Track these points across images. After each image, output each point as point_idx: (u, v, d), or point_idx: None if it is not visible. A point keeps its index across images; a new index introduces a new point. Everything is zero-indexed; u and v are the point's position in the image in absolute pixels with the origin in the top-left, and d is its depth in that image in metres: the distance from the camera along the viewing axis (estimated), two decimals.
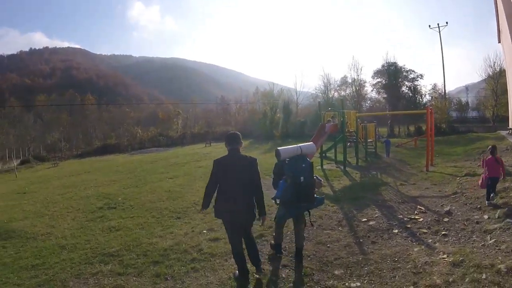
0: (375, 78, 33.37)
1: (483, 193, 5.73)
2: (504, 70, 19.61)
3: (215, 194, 3.20)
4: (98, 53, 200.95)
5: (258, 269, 3.35)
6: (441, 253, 3.68)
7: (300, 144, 3.63)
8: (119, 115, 48.06)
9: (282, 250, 3.91)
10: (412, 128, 25.68)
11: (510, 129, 14.18)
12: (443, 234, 4.39)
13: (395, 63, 31.54)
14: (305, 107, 34.56)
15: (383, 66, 32.63)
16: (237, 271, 3.34)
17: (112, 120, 45.79)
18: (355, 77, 33.15)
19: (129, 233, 4.98)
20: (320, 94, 33.29)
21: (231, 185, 3.09)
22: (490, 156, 5.59)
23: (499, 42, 17.41)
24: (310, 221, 3.88)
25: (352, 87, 33.76)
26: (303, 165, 3.38)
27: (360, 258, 3.78)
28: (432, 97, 29.67)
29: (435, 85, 31.72)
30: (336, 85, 34.32)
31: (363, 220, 5.15)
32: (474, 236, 4.21)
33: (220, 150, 18.25)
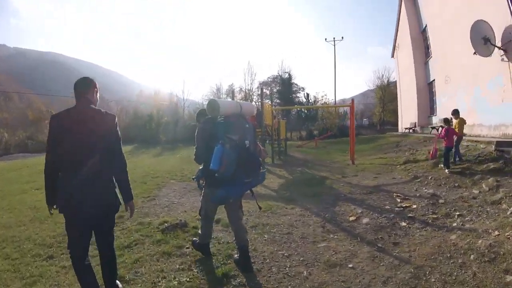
0: (259, 87, 35.64)
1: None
2: (393, 82, 23.21)
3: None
4: None
5: None
6: (490, 231, 3.00)
7: (238, 100, 2.26)
8: None
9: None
10: (304, 133, 27.85)
11: (408, 128, 16.31)
12: (458, 214, 3.68)
13: (289, 72, 34.18)
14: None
15: (269, 78, 35.41)
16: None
17: None
18: (245, 86, 34.38)
19: None
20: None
21: (76, 154, 1.92)
22: (446, 126, 6.12)
23: (392, 56, 20.65)
24: (258, 204, 2.77)
25: (241, 94, 34.57)
26: (247, 125, 2.48)
27: (412, 270, 2.40)
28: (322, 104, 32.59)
29: (316, 94, 36.30)
30: (224, 92, 34.83)
31: (351, 219, 3.87)
32: (489, 209, 3.73)
33: None
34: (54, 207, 1.97)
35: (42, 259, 2.94)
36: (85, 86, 2.04)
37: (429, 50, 14.12)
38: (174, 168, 8.82)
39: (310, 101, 32.61)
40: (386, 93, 28.83)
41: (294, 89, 34.29)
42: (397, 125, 21.11)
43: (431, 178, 5.61)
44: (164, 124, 25.60)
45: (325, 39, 28.59)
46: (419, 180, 5.76)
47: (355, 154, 10.12)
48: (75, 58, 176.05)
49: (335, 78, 29.18)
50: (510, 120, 7.41)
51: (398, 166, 7.54)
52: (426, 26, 13.98)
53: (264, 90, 35.01)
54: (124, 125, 30.21)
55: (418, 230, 3.30)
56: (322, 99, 32.09)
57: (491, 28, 7.31)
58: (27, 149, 21.98)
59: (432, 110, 14.43)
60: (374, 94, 32.51)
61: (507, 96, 7.36)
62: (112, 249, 2.13)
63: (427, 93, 14.71)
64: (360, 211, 4.19)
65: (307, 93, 33.51)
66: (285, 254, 2.91)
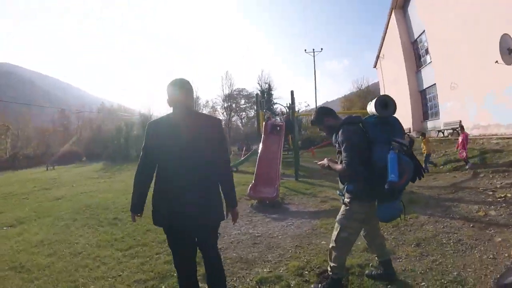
0: (226, 101, 36.81)
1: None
2: (372, 91, 24.77)
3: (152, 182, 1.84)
4: None
5: None
6: None
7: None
8: None
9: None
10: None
11: (407, 133, 17.06)
12: None
13: (269, 83, 35.51)
14: None
15: (234, 91, 37.36)
16: None
17: None
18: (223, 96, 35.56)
19: None
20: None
21: (178, 164, 1.72)
22: (464, 132, 7.15)
23: (375, 67, 21.22)
24: (405, 217, 2.64)
25: (207, 108, 36.62)
26: (399, 127, 2.12)
27: None
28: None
29: (298, 104, 36.59)
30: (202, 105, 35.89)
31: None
32: None
33: (71, 174, 13.69)
34: (138, 214, 1.87)
35: None
36: (187, 90, 1.83)
37: (421, 60, 15.29)
38: None
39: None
40: (367, 101, 29.78)
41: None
42: None
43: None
44: (135, 137, 22.34)
45: (305, 50, 28.92)
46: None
47: None
48: (32, 70, 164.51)
49: (315, 88, 29.43)
50: None
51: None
52: (421, 34, 14.71)
53: (228, 103, 36.58)
54: (88, 140, 27.63)
55: None
56: (305, 108, 33.27)
57: None
58: None
59: (426, 116, 15.52)
60: (350, 103, 33.42)
61: None
62: (219, 264, 1.90)
63: (419, 100, 15.76)
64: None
65: (289, 103, 33.24)
66: None
